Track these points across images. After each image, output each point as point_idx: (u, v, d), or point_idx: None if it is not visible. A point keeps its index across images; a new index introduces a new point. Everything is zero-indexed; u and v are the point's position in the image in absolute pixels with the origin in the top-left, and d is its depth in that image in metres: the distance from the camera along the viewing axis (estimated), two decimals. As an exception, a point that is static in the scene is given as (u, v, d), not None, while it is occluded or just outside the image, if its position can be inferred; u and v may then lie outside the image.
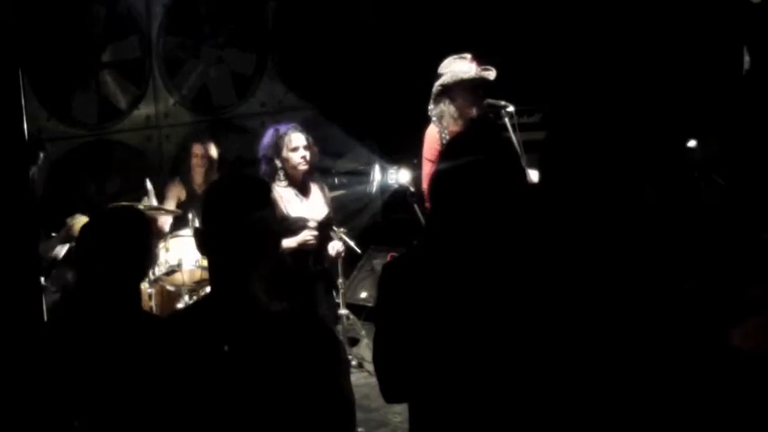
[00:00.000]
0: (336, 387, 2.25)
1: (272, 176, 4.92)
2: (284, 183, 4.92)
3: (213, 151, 6.20)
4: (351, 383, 2.41)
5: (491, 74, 5.13)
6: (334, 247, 5.17)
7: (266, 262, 2.30)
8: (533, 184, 2.57)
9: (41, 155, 5.67)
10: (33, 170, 5.52)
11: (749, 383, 2.45)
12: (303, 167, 4.91)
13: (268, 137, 4.94)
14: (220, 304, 2.28)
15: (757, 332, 2.52)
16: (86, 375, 2.61)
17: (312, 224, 4.88)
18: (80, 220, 5.48)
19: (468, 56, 5.16)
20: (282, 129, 4.95)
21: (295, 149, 4.89)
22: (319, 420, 2.22)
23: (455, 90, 5.09)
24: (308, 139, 4.95)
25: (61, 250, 5.52)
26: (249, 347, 2.20)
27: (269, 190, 2.40)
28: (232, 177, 2.60)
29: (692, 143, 5.44)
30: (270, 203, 2.34)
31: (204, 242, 2.34)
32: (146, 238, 2.89)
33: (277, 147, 4.89)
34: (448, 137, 5.12)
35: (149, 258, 2.93)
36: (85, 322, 2.74)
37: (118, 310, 2.75)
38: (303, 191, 5.00)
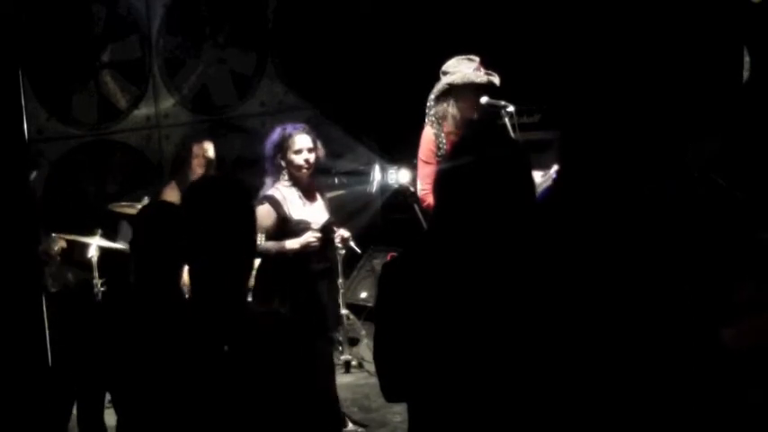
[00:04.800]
0: (315, 386, 2.24)
1: (277, 176, 4.92)
2: (288, 183, 4.91)
3: (211, 152, 6.20)
4: (335, 383, 2.41)
5: (497, 80, 5.15)
6: (341, 234, 5.11)
7: (242, 267, 2.31)
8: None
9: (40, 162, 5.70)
10: (33, 175, 5.54)
11: (740, 382, 2.46)
12: (305, 171, 4.90)
13: (275, 136, 4.93)
14: (200, 307, 2.27)
15: (749, 332, 2.52)
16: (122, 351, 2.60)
17: (315, 226, 4.88)
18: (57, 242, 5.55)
19: (477, 59, 5.15)
20: (289, 129, 4.92)
21: (298, 152, 4.86)
22: (299, 420, 2.22)
23: (461, 91, 5.09)
24: (314, 141, 4.91)
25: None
26: (225, 349, 2.20)
27: (244, 195, 2.38)
28: (207, 183, 2.53)
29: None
30: (245, 208, 2.33)
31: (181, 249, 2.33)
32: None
33: (282, 147, 4.88)
34: (444, 139, 5.13)
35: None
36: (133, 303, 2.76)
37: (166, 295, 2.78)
38: (307, 194, 4.99)
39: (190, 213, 2.31)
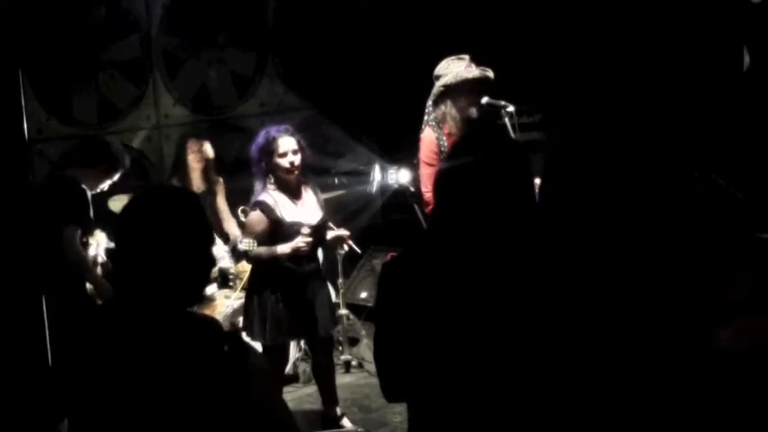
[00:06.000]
0: (249, 399, 2.23)
1: (265, 180, 4.93)
2: (276, 186, 4.92)
3: (209, 150, 6.20)
4: (278, 393, 2.39)
5: (491, 73, 5.14)
6: (338, 234, 5.13)
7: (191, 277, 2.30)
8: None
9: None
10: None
11: (735, 382, 2.46)
12: (291, 174, 4.90)
13: (260, 139, 4.94)
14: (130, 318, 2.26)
15: (747, 331, 2.52)
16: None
17: (306, 230, 4.87)
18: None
19: (467, 57, 5.16)
20: (273, 132, 4.91)
21: (283, 155, 4.86)
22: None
23: (458, 91, 5.08)
24: (298, 142, 4.92)
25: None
26: (153, 360, 2.20)
27: (189, 205, 2.35)
28: (150, 195, 2.49)
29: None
30: (193, 219, 2.32)
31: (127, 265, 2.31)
32: None
33: (267, 151, 4.88)
34: (445, 140, 5.12)
35: None
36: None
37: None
38: (296, 195, 4.99)
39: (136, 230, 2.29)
